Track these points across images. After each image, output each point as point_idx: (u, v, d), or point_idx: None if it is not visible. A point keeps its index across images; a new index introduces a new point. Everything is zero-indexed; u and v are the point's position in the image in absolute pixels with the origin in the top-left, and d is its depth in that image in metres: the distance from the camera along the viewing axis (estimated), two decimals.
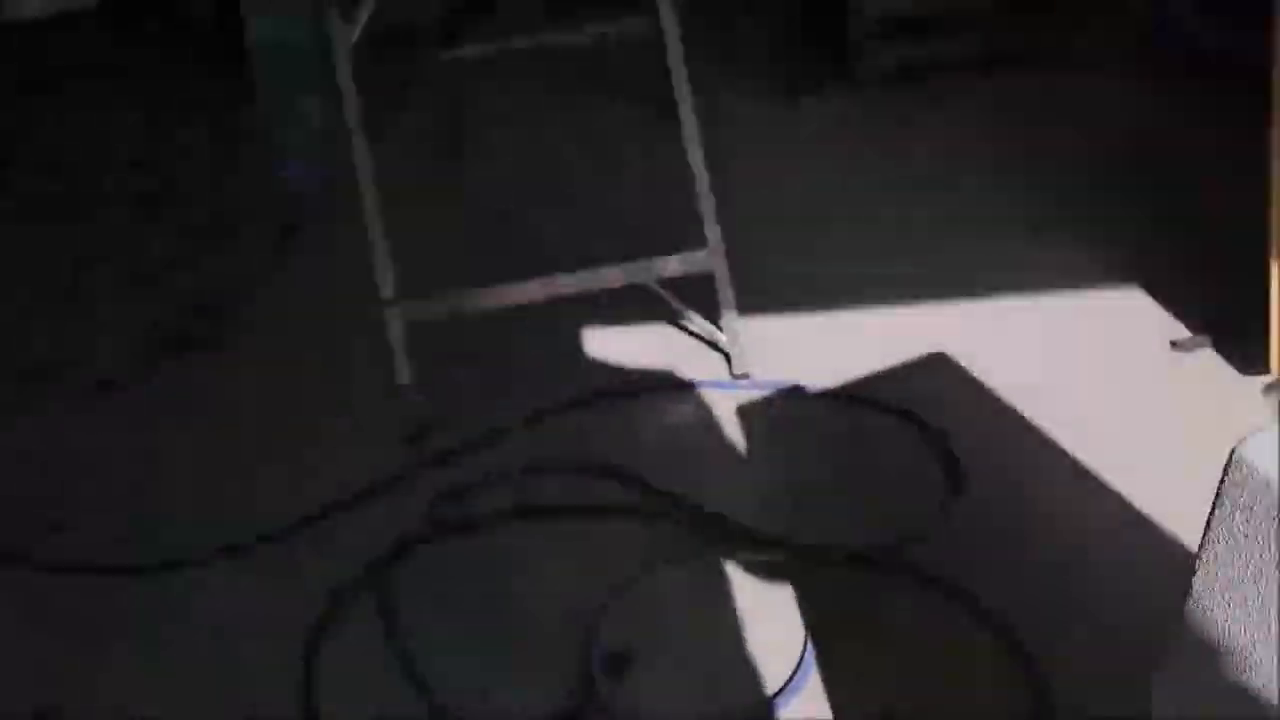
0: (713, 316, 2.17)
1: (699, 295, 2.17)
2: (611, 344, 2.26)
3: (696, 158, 1.92)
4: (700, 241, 2.04)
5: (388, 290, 1.93)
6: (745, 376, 2.05)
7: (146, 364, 2.40)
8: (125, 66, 3.65)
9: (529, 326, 2.29)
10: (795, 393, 2.00)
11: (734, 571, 1.64)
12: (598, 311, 2.30)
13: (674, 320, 2.28)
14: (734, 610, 1.59)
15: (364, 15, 1.81)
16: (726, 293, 2.00)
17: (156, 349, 2.45)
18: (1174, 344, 2.00)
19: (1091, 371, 1.99)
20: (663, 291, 2.06)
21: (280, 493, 1.99)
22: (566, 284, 2.00)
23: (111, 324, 2.54)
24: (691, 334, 2.24)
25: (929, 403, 1.91)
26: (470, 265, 2.56)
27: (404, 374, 2.00)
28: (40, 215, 3.18)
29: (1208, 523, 0.76)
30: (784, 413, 1.98)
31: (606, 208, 2.78)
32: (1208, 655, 0.76)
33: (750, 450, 1.88)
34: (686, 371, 2.13)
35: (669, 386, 2.10)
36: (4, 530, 1.97)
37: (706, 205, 1.94)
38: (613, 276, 2.00)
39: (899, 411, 1.90)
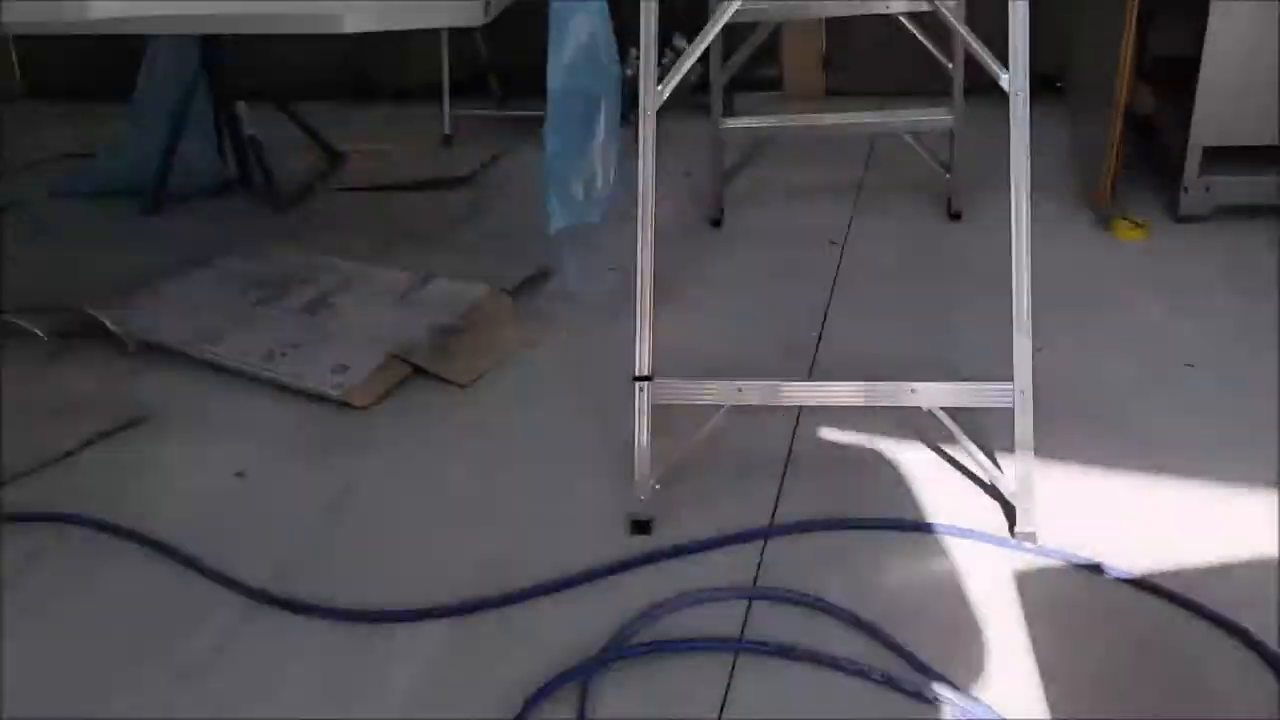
0: (991, 449, 1.88)
1: (974, 422, 1.88)
2: (868, 460, 2.01)
3: (1022, 276, 1.65)
4: (990, 366, 1.76)
5: (644, 367, 1.77)
6: (1030, 537, 1.73)
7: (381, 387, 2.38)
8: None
9: (776, 424, 2.08)
10: (1092, 571, 1.67)
11: None
12: (856, 418, 2.06)
13: (944, 445, 2.00)
14: None
15: (674, 81, 1.67)
16: (1027, 435, 1.70)
17: (392, 373, 2.42)
18: None
19: None
20: (942, 414, 1.78)
21: (492, 560, 1.86)
22: (834, 393, 1.76)
23: (355, 345, 2.53)
24: (963, 469, 1.95)
25: (1271, 618, 1.54)
26: (717, 345, 2.40)
27: (642, 458, 1.82)
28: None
29: None
30: (1076, 594, 1.65)
31: (873, 307, 2.54)
32: None
33: (1031, 634, 1.56)
34: (953, 514, 1.84)
35: (931, 528, 1.81)
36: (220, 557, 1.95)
37: (1022, 332, 1.66)
38: (890, 393, 1.75)
39: (1229, 625, 1.53)
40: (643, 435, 1.81)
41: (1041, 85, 3.75)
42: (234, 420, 2.36)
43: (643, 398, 1.78)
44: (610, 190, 1.98)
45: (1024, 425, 1.69)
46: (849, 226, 2.95)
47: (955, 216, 2.91)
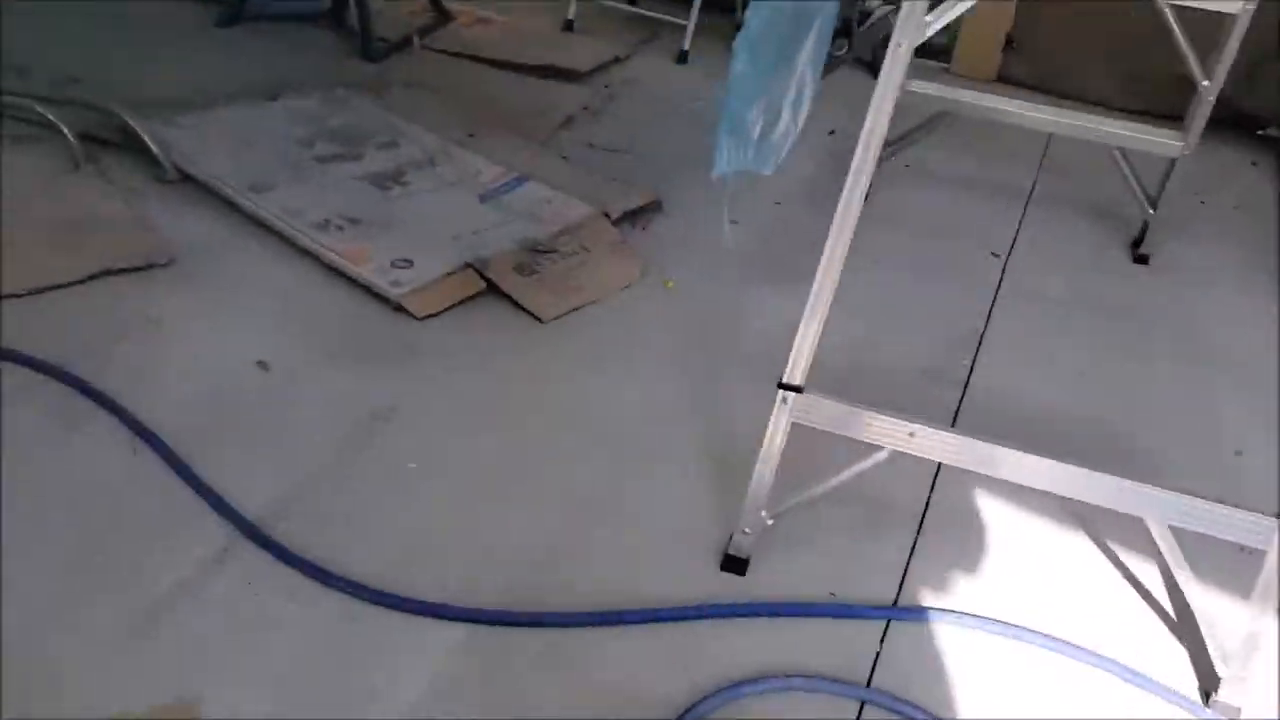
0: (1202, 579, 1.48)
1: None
2: (1023, 545, 1.61)
3: None
4: (1172, 453, 1.35)
5: (797, 374, 1.36)
6: (1233, 713, 1.34)
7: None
8: None
9: (913, 467, 1.68)
10: None
11: None
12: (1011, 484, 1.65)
13: (1119, 549, 1.60)
14: None
15: (950, 15, 1.24)
16: (1274, 587, 1.29)
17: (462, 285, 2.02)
18: None
19: None
20: (1162, 528, 1.37)
21: (541, 554, 1.49)
22: (1034, 471, 1.36)
23: (425, 238, 2.14)
24: (1143, 590, 1.55)
25: None
26: (842, 347, 1.98)
27: (761, 482, 1.43)
28: None
29: None
30: None
31: (1036, 346, 2.12)
32: None
33: None
34: (1127, 647, 1.44)
35: (1100, 660, 1.42)
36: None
37: None
38: (1107, 490, 1.34)
39: None
40: (770, 455, 1.41)
41: (1241, 127, 3.27)
42: (268, 293, 1.97)
43: (784, 411, 1.38)
44: (794, 135, 1.56)
45: (1275, 574, 1.28)
46: (1014, 239, 2.51)
47: (1141, 259, 2.46)
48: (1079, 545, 1.62)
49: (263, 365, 1.77)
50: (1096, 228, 2.61)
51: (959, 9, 1.24)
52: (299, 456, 1.60)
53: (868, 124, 1.27)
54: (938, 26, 1.24)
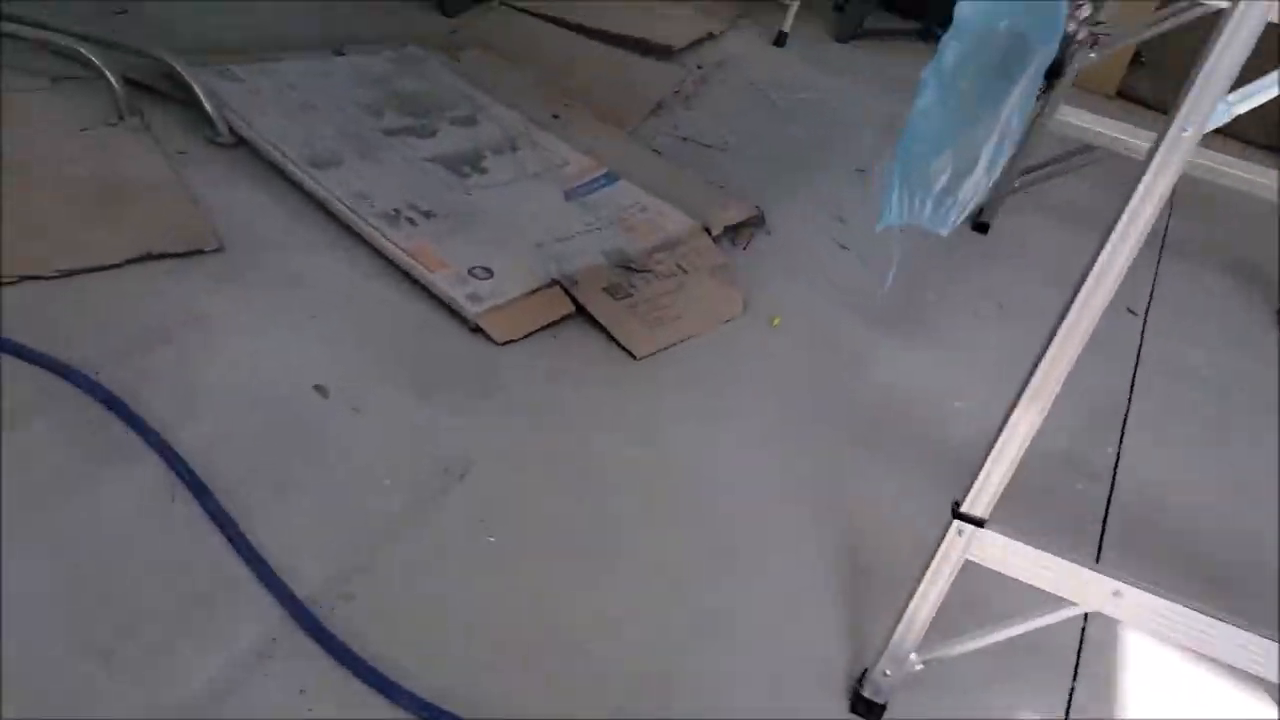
0: None
1: None
2: (1199, 711, 1.38)
3: None
4: None
5: (982, 503, 1.12)
6: None
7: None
8: None
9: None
10: None
11: None
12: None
13: None
14: None
15: (1265, 94, 0.98)
16: None
17: (548, 306, 1.77)
18: None
19: None
20: None
21: (655, 683, 1.26)
22: (1237, 650, 1.12)
23: (506, 241, 1.88)
24: None
25: None
26: (959, 411, 1.73)
27: (915, 620, 1.19)
28: None
29: None
30: None
31: (1186, 427, 1.88)
32: None
33: None
34: None
35: None
36: None
37: None
38: None
39: None
40: (931, 593, 1.17)
41: None
42: (329, 294, 1.72)
43: (957, 546, 1.14)
44: (983, 191, 1.30)
45: None
46: (1150, 294, 2.25)
47: None
48: (1258, 709, 1.39)
49: (321, 390, 1.53)
50: (1238, 287, 2.35)
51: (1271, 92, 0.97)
52: (362, 515, 1.36)
53: (1129, 210, 1.02)
54: (1242, 109, 0.97)
